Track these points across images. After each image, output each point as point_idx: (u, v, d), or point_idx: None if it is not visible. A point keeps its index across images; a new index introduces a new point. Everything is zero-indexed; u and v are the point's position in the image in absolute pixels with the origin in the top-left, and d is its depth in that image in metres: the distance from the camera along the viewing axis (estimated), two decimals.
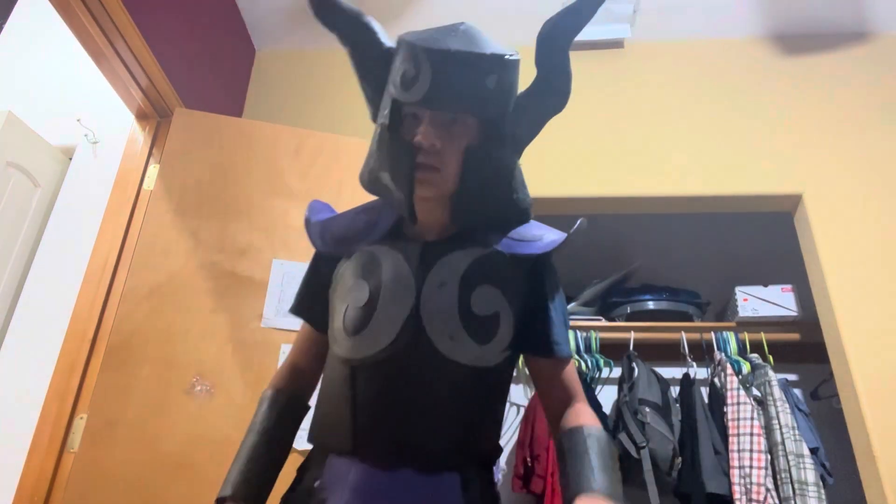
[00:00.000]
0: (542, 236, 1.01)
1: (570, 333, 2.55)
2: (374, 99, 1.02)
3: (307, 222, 1.09)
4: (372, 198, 1.09)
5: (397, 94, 0.94)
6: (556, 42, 0.97)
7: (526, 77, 0.99)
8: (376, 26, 1.00)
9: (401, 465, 0.91)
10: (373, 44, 1.00)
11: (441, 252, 0.97)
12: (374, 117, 1.02)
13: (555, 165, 2.38)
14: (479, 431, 0.97)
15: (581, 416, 0.97)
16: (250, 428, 1.04)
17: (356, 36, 1.00)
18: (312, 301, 1.10)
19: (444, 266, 0.96)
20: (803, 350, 2.55)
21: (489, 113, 0.95)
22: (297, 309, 1.14)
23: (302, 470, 1.01)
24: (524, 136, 1.02)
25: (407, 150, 0.93)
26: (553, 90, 0.99)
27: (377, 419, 0.93)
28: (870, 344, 2.00)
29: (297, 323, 1.85)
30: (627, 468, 2.26)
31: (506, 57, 0.93)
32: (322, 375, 1.05)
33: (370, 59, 1.01)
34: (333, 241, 1.06)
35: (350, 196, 2.03)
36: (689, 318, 2.75)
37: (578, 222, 0.95)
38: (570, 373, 1.03)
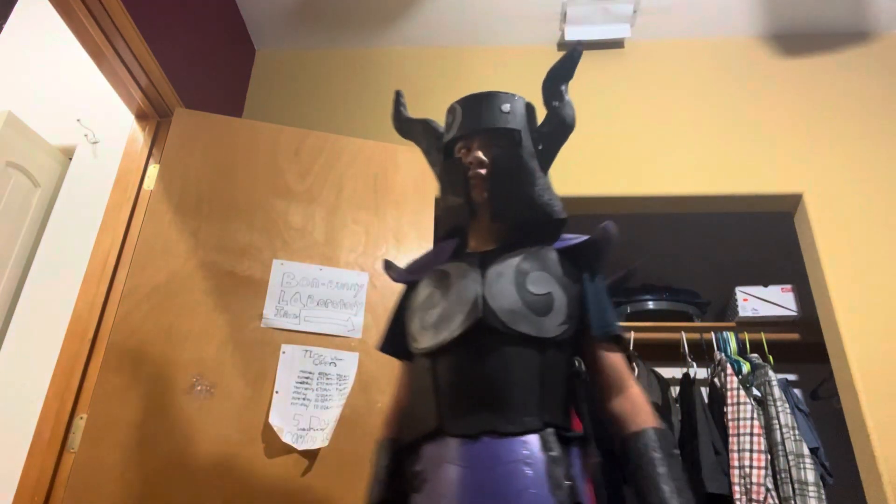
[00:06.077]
0: (582, 237, 1.20)
1: None
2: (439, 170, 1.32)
3: (393, 268, 1.33)
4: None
5: (445, 139, 1.28)
6: (552, 83, 1.23)
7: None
8: (435, 123, 1.35)
9: (482, 433, 1.01)
10: (434, 133, 1.34)
11: (496, 256, 1.17)
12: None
13: (553, 165, 2.37)
14: (547, 400, 1.06)
15: (638, 412, 1.07)
16: (374, 477, 1.19)
17: (426, 133, 1.35)
18: (397, 335, 1.26)
19: (501, 263, 1.15)
20: (803, 350, 2.55)
21: (509, 126, 1.22)
22: (384, 346, 1.30)
23: (399, 463, 1.14)
24: (544, 155, 1.26)
25: (459, 167, 1.22)
26: (558, 119, 1.24)
27: (456, 394, 1.06)
28: (870, 344, 2.00)
29: (296, 323, 1.89)
30: None
31: (515, 96, 1.25)
32: (410, 382, 1.20)
33: (434, 146, 1.33)
34: (414, 271, 1.30)
35: (350, 196, 2.05)
36: (689, 318, 2.75)
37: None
38: (617, 357, 1.14)
